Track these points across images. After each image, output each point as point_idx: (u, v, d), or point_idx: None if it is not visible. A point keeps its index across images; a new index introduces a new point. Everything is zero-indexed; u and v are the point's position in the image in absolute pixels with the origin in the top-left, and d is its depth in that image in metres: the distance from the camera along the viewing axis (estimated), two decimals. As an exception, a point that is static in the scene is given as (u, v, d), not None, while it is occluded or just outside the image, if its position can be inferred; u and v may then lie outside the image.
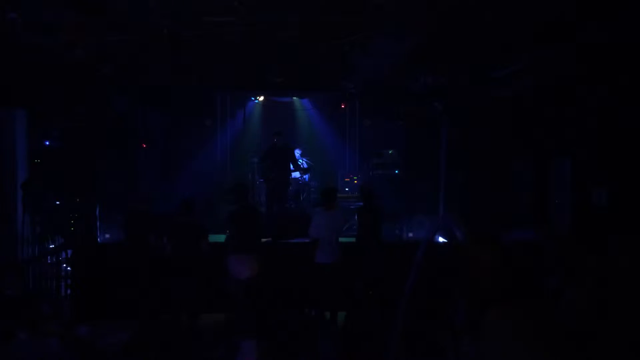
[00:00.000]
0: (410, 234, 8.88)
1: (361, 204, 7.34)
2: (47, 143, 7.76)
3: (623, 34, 5.05)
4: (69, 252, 7.43)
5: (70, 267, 7.39)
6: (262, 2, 5.08)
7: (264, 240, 7.49)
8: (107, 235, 8.40)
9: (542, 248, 2.40)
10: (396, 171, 10.20)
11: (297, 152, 9.88)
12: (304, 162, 10.25)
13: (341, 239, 6.94)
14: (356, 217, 7.30)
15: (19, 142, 7.41)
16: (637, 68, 5.38)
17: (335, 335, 5.71)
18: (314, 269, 6.63)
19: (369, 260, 6.77)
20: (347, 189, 10.59)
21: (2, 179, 7.24)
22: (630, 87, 5.51)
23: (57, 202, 7.64)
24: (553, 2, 4.77)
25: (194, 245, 6.50)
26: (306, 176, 10.31)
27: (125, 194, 8.26)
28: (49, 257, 7.20)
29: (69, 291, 7.34)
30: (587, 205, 6.27)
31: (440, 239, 6.77)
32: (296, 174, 9.91)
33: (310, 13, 5.33)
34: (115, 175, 8.88)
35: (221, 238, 7.00)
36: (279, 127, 10.04)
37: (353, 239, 7.34)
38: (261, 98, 11.14)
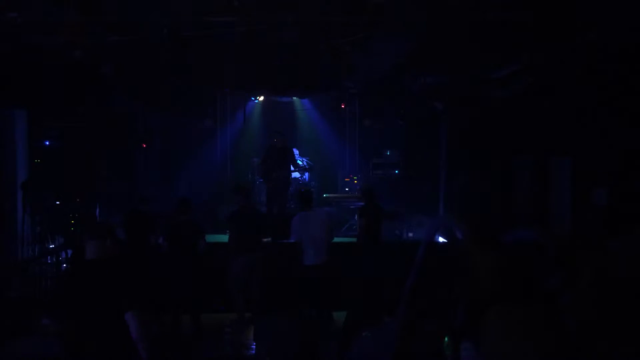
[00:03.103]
0: (410, 234, 8.88)
1: (362, 203, 7.33)
2: (47, 143, 7.76)
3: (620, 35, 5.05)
4: (69, 252, 7.43)
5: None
6: (262, 2, 5.09)
7: (264, 240, 7.49)
8: (107, 235, 8.37)
9: (542, 248, 2.40)
10: (396, 171, 10.19)
11: (295, 152, 9.88)
12: (304, 161, 10.25)
13: (342, 239, 6.91)
14: (356, 217, 7.29)
15: (19, 142, 7.41)
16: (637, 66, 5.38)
17: (334, 335, 5.70)
18: (304, 271, 6.59)
19: (369, 260, 6.77)
20: (347, 189, 10.57)
21: (2, 179, 7.23)
22: (631, 85, 5.51)
23: (57, 202, 7.63)
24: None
25: (191, 244, 6.49)
26: (306, 176, 10.31)
27: (125, 194, 8.25)
28: (49, 257, 7.20)
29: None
30: (587, 205, 6.27)
31: (440, 239, 6.77)
32: (296, 174, 9.91)
33: (310, 13, 5.34)
34: (115, 175, 8.87)
35: (220, 238, 6.99)
36: (279, 127, 10.04)
37: (353, 239, 7.33)
38: (261, 98, 11.12)
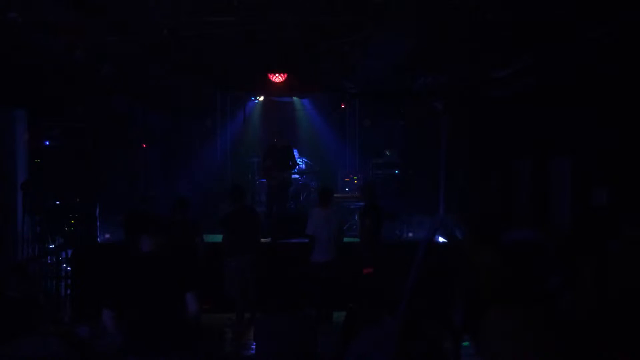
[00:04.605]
0: (410, 234, 8.88)
1: (362, 203, 7.34)
2: (47, 143, 7.76)
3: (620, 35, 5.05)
4: (69, 252, 7.43)
5: (70, 267, 7.38)
6: (262, 2, 5.08)
7: (263, 240, 7.49)
8: (107, 235, 8.39)
9: (542, 248, 2.40)
10: (396, 171, 10.18)
11: (295, 152, 9.88)
12: (303, 161, 10.24)
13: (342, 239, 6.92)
14: (357, 217, 7.29)
15: (19, 142, 7.41)
16: (637, 68, 5.38)
17: (333, 334, 5.71)
18: (311, 268, 6.64)
19: (369, 259, 6.77)
20: (347, 189, 10.57)
21: (2, 179, 7.23)
22: (631, 85, 5.51)
23: (57, 202, 7.64)
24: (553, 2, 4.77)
25: (189, 243, 6.47)
26: (305, 176, 10.31)
27: (125, 194, 8.24)
28: (49, 257, 7.20)
29: (68, 291, 7.33)
30: (587, 205, 6.27)
31: (440, 239, 6.77)
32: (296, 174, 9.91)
33: (310, 13, 5.33)
34: (115, 175, 8.87)
35: (220, 238, 6.98)
36: (279, 127, 10.04)
37: (354, 239, 7.33)
38: (261, 98, 11.12)
